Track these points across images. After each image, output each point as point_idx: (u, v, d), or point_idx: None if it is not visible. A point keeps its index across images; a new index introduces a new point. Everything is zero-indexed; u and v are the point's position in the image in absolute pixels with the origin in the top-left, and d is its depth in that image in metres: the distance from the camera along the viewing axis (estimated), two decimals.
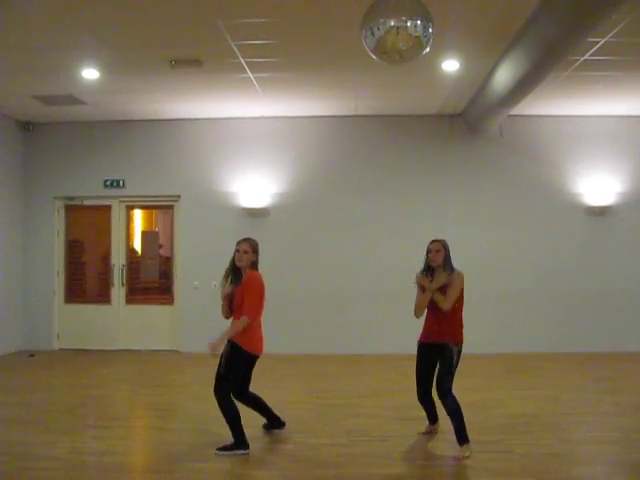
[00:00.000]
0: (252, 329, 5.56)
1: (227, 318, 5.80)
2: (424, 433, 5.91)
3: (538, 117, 10.32)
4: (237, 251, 5.59)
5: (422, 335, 5.76)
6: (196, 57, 7.55)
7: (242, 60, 7.61)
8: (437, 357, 5.52)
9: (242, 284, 5.56)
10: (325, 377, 8.62)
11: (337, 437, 5.89)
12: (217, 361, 5.59)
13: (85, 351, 10.48)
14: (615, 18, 5.92)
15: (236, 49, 7.22)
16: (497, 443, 5.62)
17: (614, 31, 6.47)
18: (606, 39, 6.72)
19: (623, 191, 10.34)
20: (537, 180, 10.36)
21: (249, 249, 5.59)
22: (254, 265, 5.65)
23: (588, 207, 10.33)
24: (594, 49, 7.05)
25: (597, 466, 5.17)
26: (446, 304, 5.48)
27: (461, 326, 5.55)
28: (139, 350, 10.55)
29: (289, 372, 8.86)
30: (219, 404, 5.49)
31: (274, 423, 5.95)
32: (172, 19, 6.36)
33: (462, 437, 5.30)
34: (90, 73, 8.01)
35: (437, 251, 5.60)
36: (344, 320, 10.15)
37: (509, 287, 10.10)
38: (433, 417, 5.90)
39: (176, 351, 10.55)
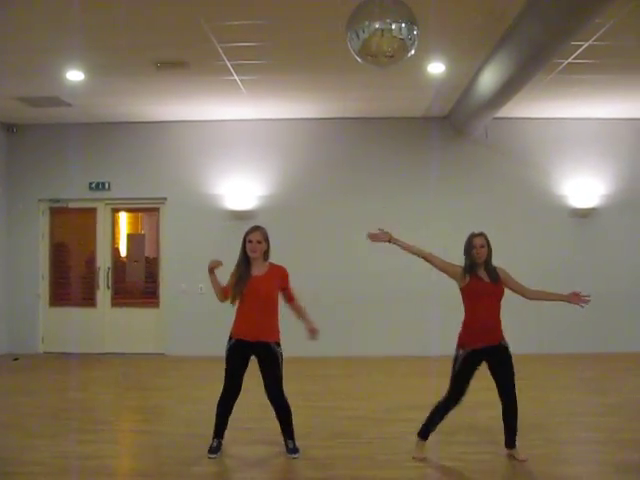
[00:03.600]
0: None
1: (223, 301, 5.45)
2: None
3: (523, 119, 10.37)
4: (249, 242, 5.30)
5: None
6: (182, 59, 7.53)
7: (228, 62, 7.60)
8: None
9: (270, 277, 5.31)
10: (314, 379, 8.62)
11: (325, 439, 5.88)
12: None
13: (70, 354, 10.39)
14: (598, 22, 5.98)
15: (222, 51, 7.20)
16: (484, 444, 5.63)
17: (597, 34, 6.52)
18: (589, 42, 6.76)
19: (607, 193, 10.41)
20: (522, 182, 10.41)
21: (262, 238, 5.33)
22: (266, 255, 5.39)
23: (573, 209, 10.40)
24: (578, 52, 7.09)
25: (582, 466, 5.20)
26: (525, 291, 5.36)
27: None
28: (124, 353, 10.50)
29: None
30: (287, 409, 5.38)
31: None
32: (158, 21, 6.33)
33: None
34: (75, 75, 7.96)
35: (482, 247, 5.28)
36: (332, 323, 10.12)
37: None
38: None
39: (162, 354, 10.51)
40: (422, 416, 5.77)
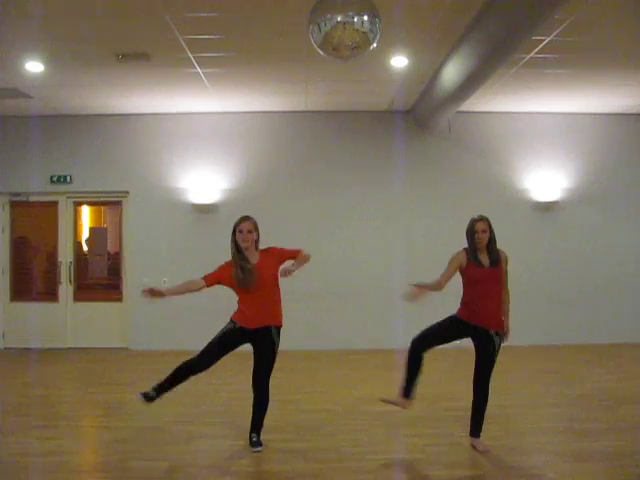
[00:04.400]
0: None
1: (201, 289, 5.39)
2: (386, 400, 5.60)
3: (486, 114, 10.46)
4: (240, 232, 5.28)
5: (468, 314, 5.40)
6: (144, 51, 7.44)
7: (190, 55, 7.53)
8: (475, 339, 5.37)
9: (266, 260, 5.34)
10: (277, 373, 8.56)
11: (288, 433, 5.89)
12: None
13: (32, 350, 10.25)
14: (558, 17, 6.04)
15: (184, 44, 7.14)
16: (446, 436, 5.69)
17: (558, 30, 6.59)
18: (551, 37, 6.84)
19: (569, 187, 10.55)
20: (485, 176, 10.51)
21: (253, 228, 5.32)
22: (257, 244, 5.40)
23: (535, 202, 10.52)
24: (540, 47, 7.17)
25: (542, 456, 5.27)
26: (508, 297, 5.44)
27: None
28: (88, 348, 10.38)
29: (241, 369, 8.80)
30: (266, 398, 5.47)
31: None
32: (118, 11, 6.23)
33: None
34: (34, 66, 7.82)
35: (484, 232, 5.30)
36: (297, 316, 10.10)
37: (456, 282, 10.20)
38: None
39: (126, 348, 10.42)
40: (386, 409, 5.81)
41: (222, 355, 5.37)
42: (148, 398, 5.32)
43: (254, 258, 5.36)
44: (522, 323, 10.36)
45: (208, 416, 5.99)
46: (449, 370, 8.31)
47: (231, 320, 5.43)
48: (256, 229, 5.36)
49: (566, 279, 10.42)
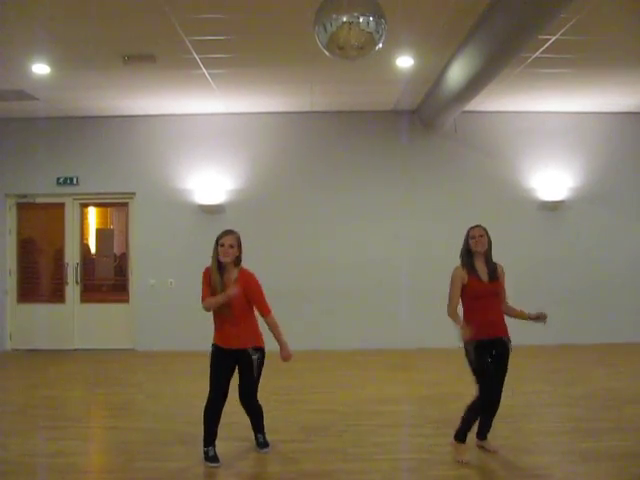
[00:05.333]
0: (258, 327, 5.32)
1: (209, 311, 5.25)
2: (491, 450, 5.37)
3: (492, 113, 10.44)
4: (221, 245, 5.11)
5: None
6: (150, 53, 7.46)
7: (196, 56, 7.54)
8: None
9: (239, 283, 5.13)
10: (283, 373, 8.55)
11: (294, 433, 5.89)
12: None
13: (39, 351, 10.29)
14: (564, 16, 6.03)
15: (190, 45, 7.15)
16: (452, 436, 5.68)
17: (564, 29, 6.58)
18: (556, 37, 6.83)
19: (575, 186, 10.53)
20: (491, 175, 10.49)
21: (235, 243, 5.17)
22: (238, 260, 5.24)
23: (541, 202, 10.50)
24: (545, 46, 7.16)
25: (549, 456, 5.26)
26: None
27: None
28: (94, 349, 10.40)
29: None
30: (258, 410, 5.37)
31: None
32: (125, 13, 6.26)
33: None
34: (41, 68, 7.85)
35: (481, 236, 5.32)
36: (303, 316, 10.14)
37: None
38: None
39: (132, 349, 10.43)
40: (393, 409, 5.82)
41: (228, 378, 5.22)
42: (211, 459, 5.16)
43: (232, 274, 5.21)
44: (528, 323, 10.36)
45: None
46: (455, 371, 8.29)
47: (212, 344, 5.30)
48: (238, 245, 5.21)
49: (572, 278, 10.39)
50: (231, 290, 5.06)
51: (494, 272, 5.31)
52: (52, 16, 6.28)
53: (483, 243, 5.31)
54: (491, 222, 10.16)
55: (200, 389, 5.50)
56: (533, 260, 10.33)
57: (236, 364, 5.23)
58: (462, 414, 5.22)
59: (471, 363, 5.16)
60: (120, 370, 9.18)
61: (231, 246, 5.14)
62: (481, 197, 10.40)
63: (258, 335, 5.28)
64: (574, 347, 9.97)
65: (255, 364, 5.18)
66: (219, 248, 5.15)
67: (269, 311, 5.28)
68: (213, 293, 5.14)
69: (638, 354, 9.61)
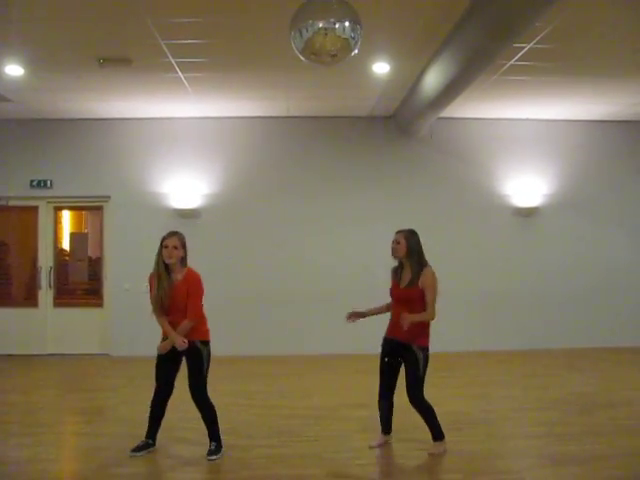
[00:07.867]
0: (204, 322, 5.42)
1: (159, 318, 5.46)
2: (376, 446, 5.55)
3: (467, 120, 10.53)
4: (165, 247, 5.23)
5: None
6: (125, 56, 7.42)
7: (172, 59, 7.52)
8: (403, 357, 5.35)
9: (184, 283, 5.28)
10: (257, 378, 8.58)
11: (268, 438, 5.87)
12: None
13: (10, 356, 10.15)
14: (539, 25, 6.10)
15: (166, 48, 7.12)
16: (427, 442, 5.68)
17: (538, 37, 6.66)
18: (531, 45, 6.90)
19: (549, 193, 10.64)
20: (466, 182, 10.57)
21: (179, 244, 5.27)
22: (183, 261, 5.35)
23: (516, 208, 10.59)
24: (520, 54, 7.24)
25: (522, 460, 5.31)
26: (429, 315, 5.25)
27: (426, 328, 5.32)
28: (68, 354, 10.29)
29: (220, 374, 8.75)
30: (203, 407, 5.35)
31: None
32: (100, 16, 6.21)
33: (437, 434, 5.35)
34: (14, 69, 7.76)
35: (397, 242, 5.35)
36: (276, 321, 10.12)
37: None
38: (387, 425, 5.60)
39: (106, 355, 10.34)
40: (365, 414, 5.82)
41: (172, 371, 5.40)
42: (141, 448, 5.36)
43: (178, 274, 5.33)
44: (503, 328, 10.50)
45: (187, 422, 5.95)
46: (428, 374, 8.32)
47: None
48: (183, 246, 5.32)
49: (546, 285, 10.49)
50: (178, 341, 5.23)
51: (412, 281, 5.31)
52: (27, 17, 6.21)
53: (397, 250, 5.35)
54: (466, 228, 10.45)
55: (174, 395, 5.48)
56: (507, 266, 10.42)
57: (181, 357, 5.36)
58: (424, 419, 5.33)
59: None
60: (94, 375, 9.11)
61: (175, 247, 5.25)
62: (456, 203, 10.47)
63: (204, 329, 5.42)
64: (549, 352, 10.06)
65: (203, 356, 5.32)
66: (163, 250, 5.25)
67: (194, 317, 5.32)
68: (158, 294, 5.29)
69: (613, 358, 9.70)
